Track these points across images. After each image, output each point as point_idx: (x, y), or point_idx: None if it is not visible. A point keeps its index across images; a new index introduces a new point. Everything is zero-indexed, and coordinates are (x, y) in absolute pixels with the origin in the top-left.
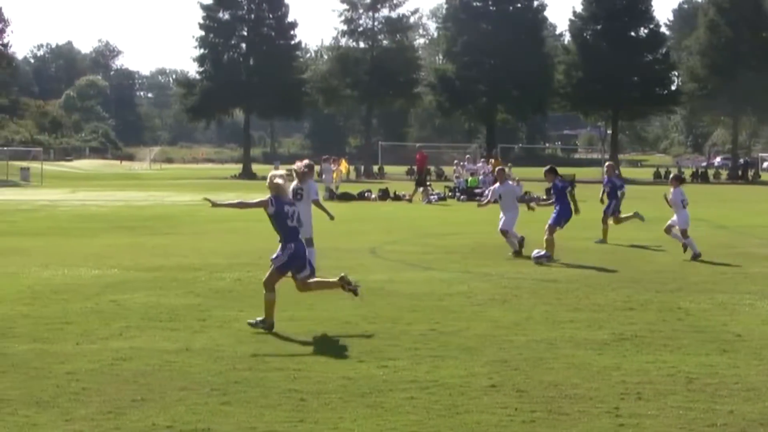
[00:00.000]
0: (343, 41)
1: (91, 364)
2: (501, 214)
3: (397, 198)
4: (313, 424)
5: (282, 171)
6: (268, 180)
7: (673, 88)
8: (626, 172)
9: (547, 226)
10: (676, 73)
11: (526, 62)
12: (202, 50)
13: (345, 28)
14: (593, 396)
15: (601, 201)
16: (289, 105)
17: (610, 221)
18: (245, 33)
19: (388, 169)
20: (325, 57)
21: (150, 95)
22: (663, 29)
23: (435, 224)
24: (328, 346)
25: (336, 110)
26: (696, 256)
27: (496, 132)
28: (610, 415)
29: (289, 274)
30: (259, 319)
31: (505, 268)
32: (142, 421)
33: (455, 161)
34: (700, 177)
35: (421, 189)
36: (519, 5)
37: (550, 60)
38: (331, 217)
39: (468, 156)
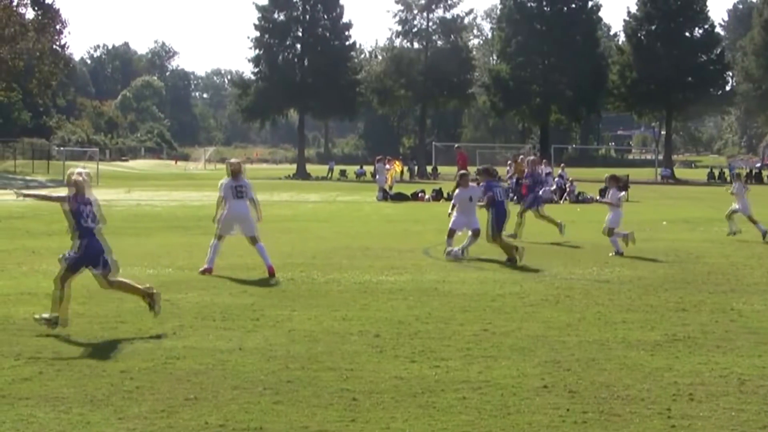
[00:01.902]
0: (397, 42)
1: (145, 363)
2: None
3: (450, 198)
4: (365, 424)
5: (84, 169)
6: (67, 177)
7: (728, 88)
8: (680, 172)
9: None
10: (731, 74)
11: (580, 63)
12: (257, 51)
13: (399, 28)
14: (645, 397)
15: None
16: (343, 105)
17: (533, 215)
18: (300, 34)
19: (441, 169)
20: (380, 57)
21: (205, 96)
22: (718, 29)
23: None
24: (381, 346)
25: (390, 111)
26: (618, 254)
27: (549, 132)
28: (662, 417)
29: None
30: (45, 315)
31: (558, 269)
32: (195, 419)
33: (508, 162)
34: (754, 178)
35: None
36: (573, 6)
37: (604, 60)
38: (259, 219)
39: (521, 156)
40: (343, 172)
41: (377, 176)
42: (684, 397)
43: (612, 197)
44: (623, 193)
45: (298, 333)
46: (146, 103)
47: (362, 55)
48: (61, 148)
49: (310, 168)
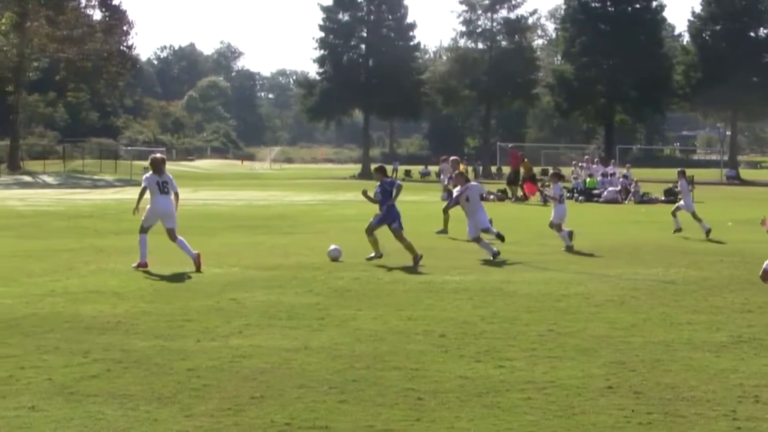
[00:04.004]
0: (461, 42)
1: (211, 361)
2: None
3: (517, 199)
4: (430, 423)
5: None
6: None
7: None
8: (745, 173)
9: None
10: None
11: (644, 63)
12: (322, 51)
13: (464, 29)
14: (710, 399)
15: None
16: (407, 106)
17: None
18: (365, 34)
19: (506, 170)
20: (444, 58)
21: (270, 96)
22: None
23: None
24: (446, 346)
25: (454, 111)
26: (569, 248)
27: (614, 133)
28: (727, 419)
29: None
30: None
31: (623, 269)
32: (261, 418)
33: (573, 162)
34: None
35: (514, 187)
36: (637, 6)
37: (669, 61)
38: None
39: (586, 157)
40: (407, 172)
41: (441, 176)
42: (749, 399)
43: (555, 192)
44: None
45: (363, 332)
46: (212, 104)
47: (426, 56)
48: (129, 148)
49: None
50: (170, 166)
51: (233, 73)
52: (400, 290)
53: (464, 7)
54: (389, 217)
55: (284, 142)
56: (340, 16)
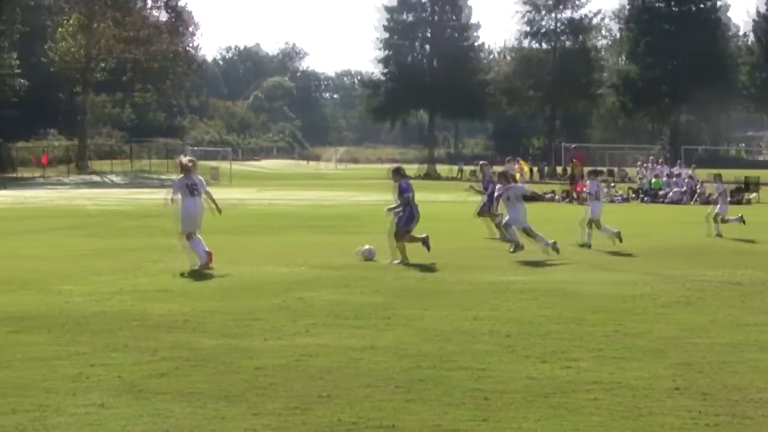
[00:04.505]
0: (525, 42)
1: (278, 360)
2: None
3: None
4: (496, 423)
5: None
6: None
7: None
8: None
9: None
10: None
11: (708, 63)
12: (385, 52)
13: (527, 29)
14: None
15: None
16: (472, 106)
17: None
18: (428, 35)
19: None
20: (508, 58)
21: (335, 96)
22: None
23: (617, 226)
24: (512, 346)
25: (519, 111)
26: (617, 235)
27: (679, 133)
28: None
29: None
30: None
31: (689, 271)
32: (328, 416)
33: (638, 162)
34: None
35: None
36: (701, 6)
37: (733, 61)
38: (219, 211)
39: (651, 157)
40: (472, 172)
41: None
42: None
43: (591, 188)
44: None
45: (429, 332)
46: (277, 104)
47: (490, 56)
48: (194, 148)
49: (440, 168)
50: (236, 166)
51: (298, 74)
52: (466, 290)
53: (528, 8)
54: (409, 217)
55: (349, 143)
56: (404, 16)
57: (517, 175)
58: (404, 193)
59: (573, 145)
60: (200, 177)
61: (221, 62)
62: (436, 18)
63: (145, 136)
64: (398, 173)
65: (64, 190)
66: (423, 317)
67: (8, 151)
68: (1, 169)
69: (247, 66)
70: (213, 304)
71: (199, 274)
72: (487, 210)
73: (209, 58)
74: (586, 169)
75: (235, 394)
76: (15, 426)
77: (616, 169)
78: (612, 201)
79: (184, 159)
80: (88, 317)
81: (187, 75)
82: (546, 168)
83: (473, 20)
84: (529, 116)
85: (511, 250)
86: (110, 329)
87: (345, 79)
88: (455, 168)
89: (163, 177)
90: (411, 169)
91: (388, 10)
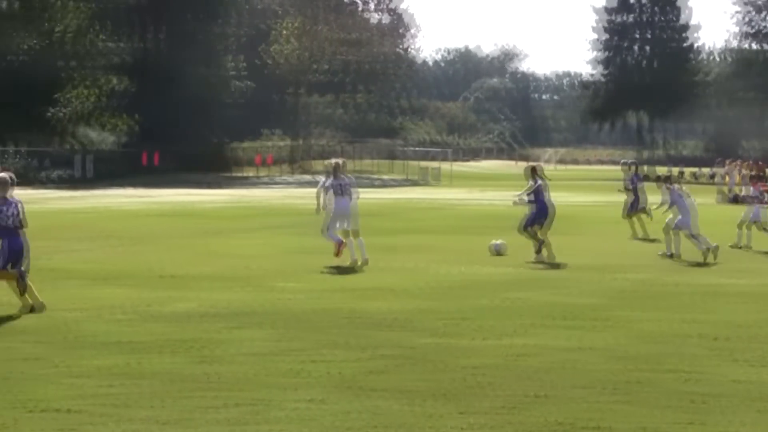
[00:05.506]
0: (744, 44)
1: (489, 359)
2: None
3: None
4: (704, 426)
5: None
6: None
7: None
8: None
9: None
10: None
11: None
12: (603, 53)
13: (747, 30)
14: None
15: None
16: (686, 107)
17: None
18: (649, 36)
19: None
20: (729, 60)
21: (551, 97)
22: None
23: None
24: (722, 349)
25: (735, 113)
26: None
27: None
28: None
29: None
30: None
31: None
32: (538, 417)
33: None
34: None
35: None
36: None
37: None
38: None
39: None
40: (694, 175)
41: (727, 178)
42: None
43: (753, 192)
44: None
45: (644, 334)
46: (495, 105)
47: (710, 57)
48: (414, 149)
49: (661, 170)
50: (454, 167)
51: (515, 75)
52: (682, 293)
53: (748, 8)
54: (542, 214)
55: (567, 143)
56: (622, 18)
57: (738, 178)
58: (536, 191)
59: None
60: (350, 177)
61: (441, 63)
62: (654, 19)
63: (363, 137)
64: (534, 172)
65: (284, 189)
66: (640, 320)
67: (232, 151)
68: (224, 168)
69: (465, 67)
70: (425, 303)
71: (414, 273)
72: (634, 210)
73: (428, 60)
74: (746, 173)
75: (447, 393)
76: (235, 419)
77: None
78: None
79: (333, 161)
80: (308, 314)
81: (406, 76)
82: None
83: (693, 21)
84: (746, 118)
85: (660, 253)
86: (326, 326)
87: (561, 80)
88: (665, 169)
89: (376, 177)
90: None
91: (607, 11)
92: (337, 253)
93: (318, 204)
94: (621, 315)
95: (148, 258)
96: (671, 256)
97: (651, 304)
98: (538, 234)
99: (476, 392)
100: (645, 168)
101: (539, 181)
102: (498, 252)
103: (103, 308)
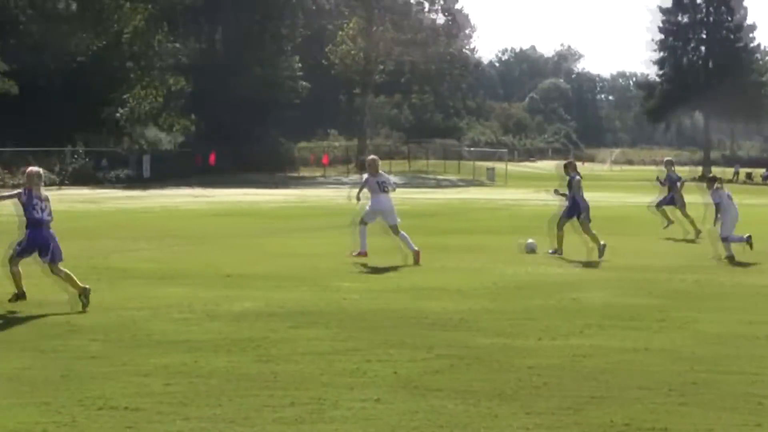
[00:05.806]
0: None
1: (552, 360)
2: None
3: None
4: None
5: (39, 169)
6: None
7: None
8: None
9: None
10: None
11: None
12: (661, 53)
13: None
14: None
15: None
16: (748, 108)
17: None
18: (704, 36)
19: None
20: None
21: (610, 98)
22: None
23: None
24: None
25: None
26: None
27: None
28: None
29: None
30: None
31: None
32: (600, 417)
33: None
34: None
35: None
36: None
37: None
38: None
39: None
40: (748, 175)
41: None
42: None
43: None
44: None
45: (703, 335)
46: (553, 105)
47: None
48: (471, 149)
49: (715, 170)
50: (511, 167)
51: (573, 75)
52: (743, 294)
53: None
54: (575, 209)
55: (624, 144)
56: (680, 17)
57: None
58: (572, 187)
59: None
60: (386, 175)
61: (497, 64)
62: (711, 19)
63: (422, 137)
64: (570, 167)
65: (341, 189)
66: (697, 320)
67: (290, 151)
68: (282, 168)
69: (522, 67)
70: (487, 303)
71: (475, 273)
72: (665, 203)
73: (486, 60)
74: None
75: (509, 393)
76: (294, 418)
77: None
78: None
79: (370, 158)
80: (365, 314)
81: (463, 77)
82: None
83: (750, 21)
84: None
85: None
86: (386, 326)
87: (620, 80)
88: (730, 170)
89: (439, 177)
90: (683, 170)
91: (663, 11)
92: (356, 254)
93: (358, 195)
94: (680, 316)
95: (208, 257)
96: (731, 257)
97: (709, 305)
98: (583, 232)
99: (540, 392)
100: (700, 169)
101: (575, 176)
102: (532, 250)
103: (162, 307)
